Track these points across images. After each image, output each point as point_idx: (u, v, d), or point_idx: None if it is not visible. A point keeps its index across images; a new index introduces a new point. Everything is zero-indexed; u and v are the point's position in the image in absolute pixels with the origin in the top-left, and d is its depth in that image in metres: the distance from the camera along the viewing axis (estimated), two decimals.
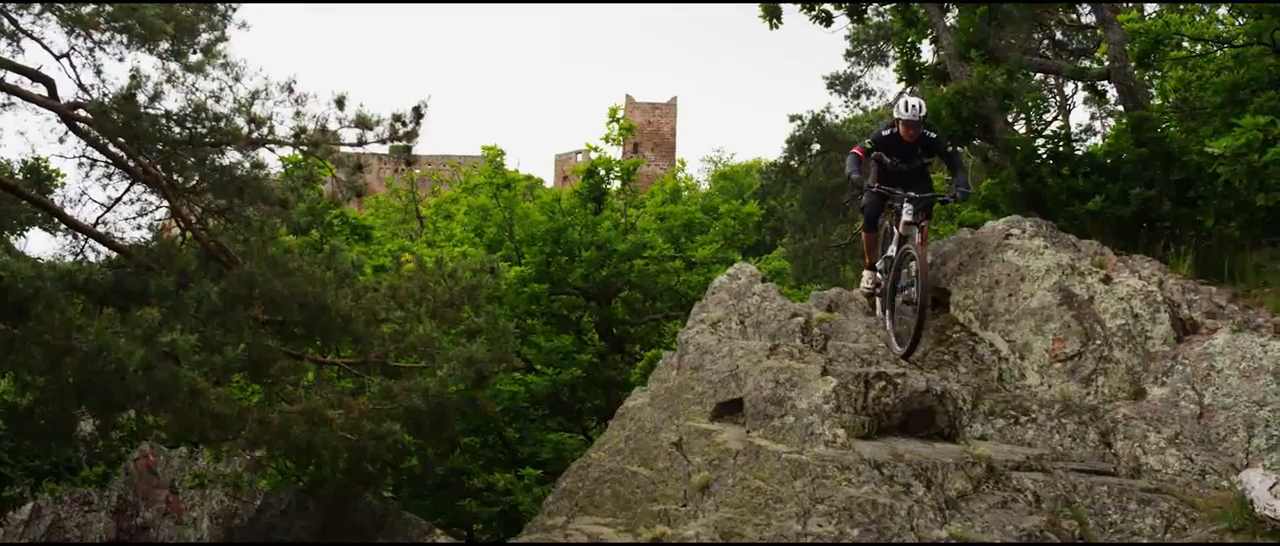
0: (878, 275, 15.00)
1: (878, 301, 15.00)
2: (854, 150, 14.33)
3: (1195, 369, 12.68)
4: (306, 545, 11.72)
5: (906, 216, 13.76)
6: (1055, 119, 20.76)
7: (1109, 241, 15.73)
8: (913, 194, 13.88)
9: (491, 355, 12.55)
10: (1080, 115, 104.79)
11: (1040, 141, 18.29)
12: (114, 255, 11.62)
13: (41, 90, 11.86)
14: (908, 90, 21.71)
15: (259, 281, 11.11)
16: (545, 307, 21.91)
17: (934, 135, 14.60)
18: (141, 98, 11.40)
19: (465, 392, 12.51)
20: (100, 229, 11.67)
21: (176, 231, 12.21)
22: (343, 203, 21.64)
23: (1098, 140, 21.64)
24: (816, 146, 33.74)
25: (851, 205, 31.60)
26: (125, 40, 11.62)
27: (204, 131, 11.46)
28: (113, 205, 11.98)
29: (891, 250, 14.24)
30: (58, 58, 11.87)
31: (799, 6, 21.79)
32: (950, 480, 11.73)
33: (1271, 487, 9.93)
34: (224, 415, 10.14)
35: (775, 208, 37.65)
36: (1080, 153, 18.02)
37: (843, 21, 22.60)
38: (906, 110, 14.21)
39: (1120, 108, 18.90)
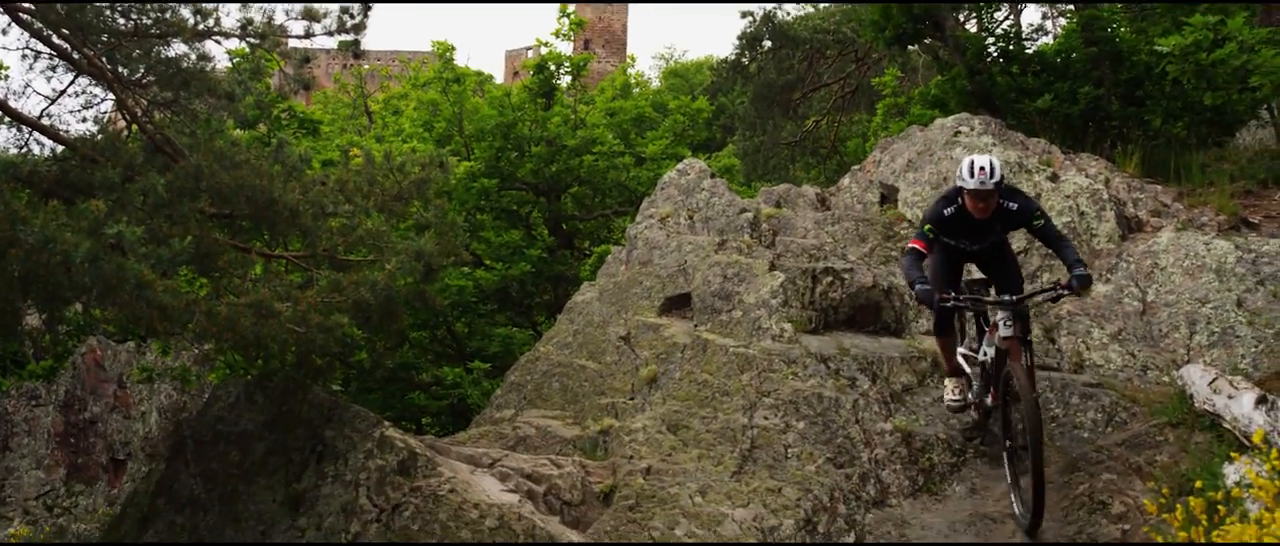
0: (967, 387, 11.09)
1: (975, 416, 11.28)
2: (912, 244, 10.24)
3: (1139, 266, 12.83)
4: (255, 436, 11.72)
5: (1004, 331, 9.84)
6: (1006, 18, 20.75)
7: (1057, 140, 15.83)
8: (1007, 298, 9.94)
9: (440, 249, 12.50)
10: (1031, 14, 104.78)
11: (991, 40, 18.28)
12: (59, 148, 11.46)
13: None
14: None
15: (206, 174, 10.98)
16: (495, 203, 21.83)
17: (1016, 205, 10.16)
18: None
19: (414, 286, 12.47)
20: (45, 121, 11.49)
21: (122, 124, 12.04)
22: (290, 96, 21.42)
23: (1048, 39, 21.59)
24: (768, 43, 33.51)
25: (801, 103, 31.53)
26: None
27: (149, 23, 11.26)
28: (57, 98, 11.78)
29: (986, 348, 10.46)
30: None
31: None
32: (896, 374, 11.87)
33: (1211, 382, 10.09)
34: (171, 307, 10.06)
35: (726, 105, 37.52)
36: (1030, 51, 18.03)
37: None
38: (973, 176, 9.86)
39: (1071, 6, 18.85)
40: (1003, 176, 9.97)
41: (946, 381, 11.20)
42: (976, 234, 10.40)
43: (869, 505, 10.65)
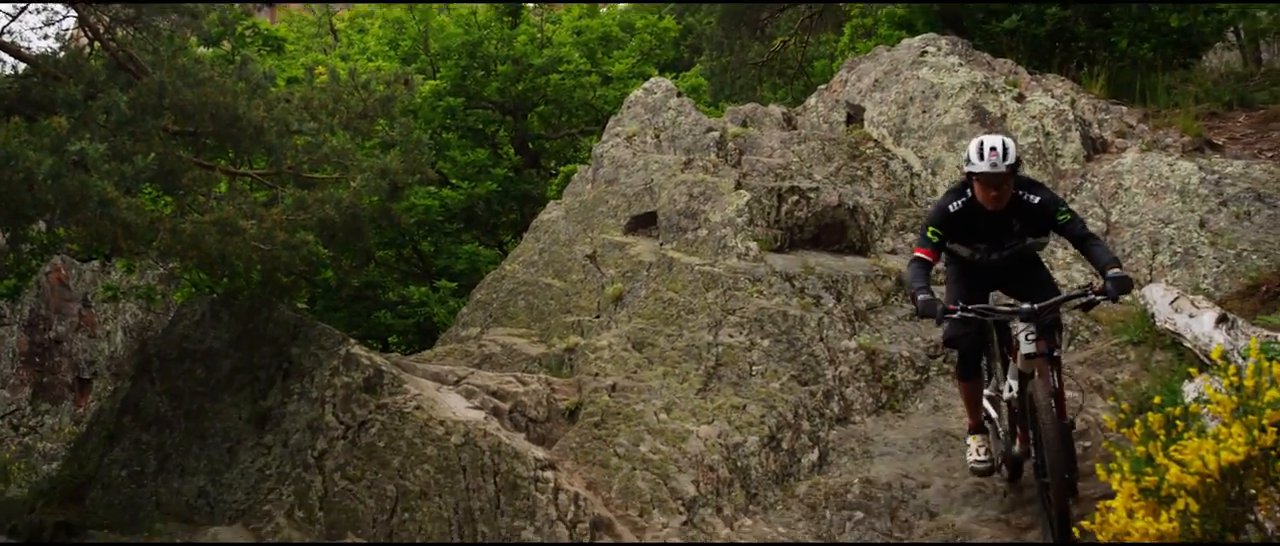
0: (993, 442, 9.21)
1: (1006, 474, 9.34)
2: (916, 252, 8.66)
3: (1104, 187, 12.90)
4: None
5: (1026, 347, 8.01)
6: None
7: (1023, 60, 15.83)
8: (1030, 307, 8.09)
9: (406, 167, 12.44)
10: None
11: None
12: (20, 66, 11.33)
13: None
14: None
15: (169, 91, 10.87)
16: (460, 122, 21.68)
17: (1037, 199, 8.51)
18: None
19: (379, 204, 12.43)
20: (6, 39, 11.35)
21: (84, 41, 11.91)
22: (254, 13, 21.20)
23: None
24: None
25: (769, 23, 31.39)
26: None
27: None
28: (18, 15, 11.66)
29: (1011, 381, 8.58)
30: None
31: None
32: (860, 292, 11.94)
33: (1172, 302, 10.18)
34: (135, 225, 10.00)
35: (693, 25, 37.32)
36: None
37: None
38: (982, 158, 8.22)
39: None
40: (1019, 159, 8.31)
41: (969, 440, 9.29)
42: (992, 235, 8.58)
43: (832, 422, 10.76)
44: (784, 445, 10.42)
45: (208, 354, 11.73)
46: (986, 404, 9.13)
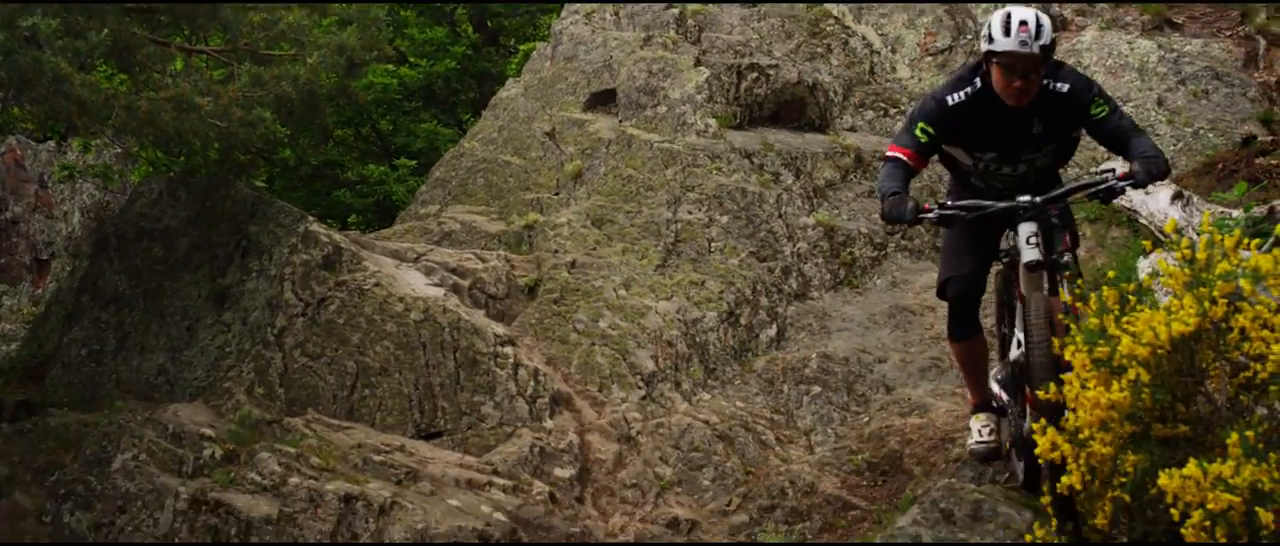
0: (998, 422, 7.24)
1: (1019, 466, 6.91)
2: (891, 150, 6.59)
3: None
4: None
5: (1029, 254, 6.20)
6: None
7: None
8: (1030, 200, 6.27)
9: (363, 44, 12.30)
10: None
11: None
12: None
13: None
14: None
15: None
16: None
17: (1066, 88, 6.39)
18: None
19: (337, 82, 12.31)
20: None
21: None
22: None
23: None
24: None
25: None
26: None
27: None
28: None
29: (1017, 342, 6.53)
30: None
31: None
32: (819, 169, 11.96)
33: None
34: (90, 102, 9.88)
35: None
36: None
37: None
38: (1009, 34, 6.15)
39: None
40: (1054, 41, 6.25)
41: (971, 420, 7.30)
42: (1006, 140, 6.43)
43: (791, 298, 10.84)
44: (742, 321, 10.51)
45: (165, 232, 11.67)
46: (995, 385, 7.14)
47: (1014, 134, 6.41)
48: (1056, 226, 6.37)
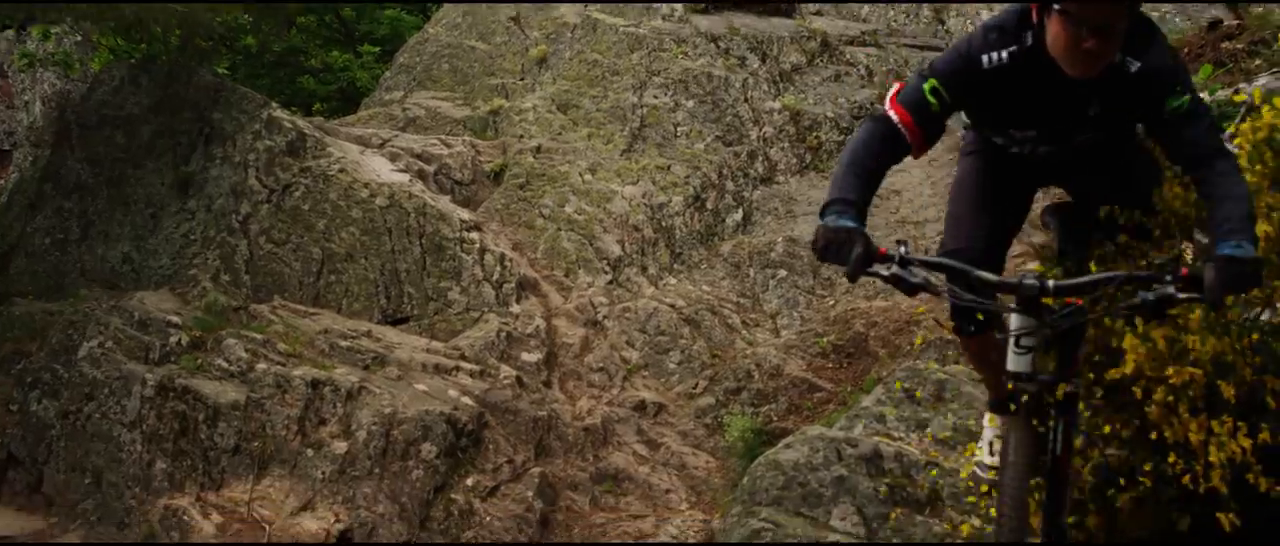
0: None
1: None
2: (890, 106, 4.15)
3: None
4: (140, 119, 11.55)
5: (1013, 362, 4.00)
6: None
7: None
8: (1034, 282, 3.86)
9: None
10: None
11: None
12: None
13: None
14: None
15: None
16: None
17: (1139, 65, 4.08)
18: None
19: None
20: None
21: None
22: None
23: None
24: None
25: None
26: None
27: None
28: None
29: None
30: None
31: None
32: (785, 53, 11.89)
33: None
34: None
35: None
36: None
37: None
38: None
39: None
40: None
41: (985, 422, 5.19)
42: (1053, 119, 4.39)
43: (757, 182, 10.83)
44: (708, 205, 10.51)
45: (128, 120, 11.56)
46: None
47: (1065, 112, 4.23)
48: (1074, 329, 4.07)
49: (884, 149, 4.07)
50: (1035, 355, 3.93)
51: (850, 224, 3.70)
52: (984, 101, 4.29)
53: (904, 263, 3.76)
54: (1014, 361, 3.93)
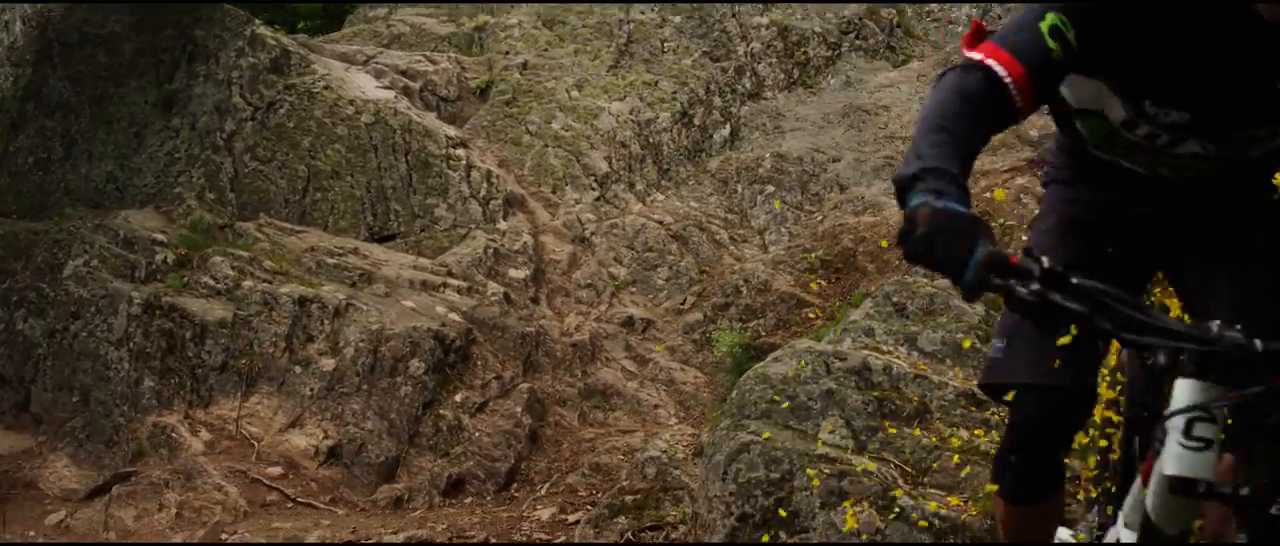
0: None
1: None
2: (977, 53, 2.56)
3: None
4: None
5: (1174, 462, 2.28)
6: None
7: None
8: (1236, 335, 2.15)
9: None
10: None
11: None
12: None
13: None
14: None
15: None
16: None
17: None
18: None
19: None
20: None
21: None
22: None
23: None
24: None
25: None
26: None
27: None
28: None
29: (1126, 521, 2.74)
30: None
31: None
32: None
33: None
34: None
35: None
36: None
37: None
38: None
39: None
40: None
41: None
42: (1228, 90, 2.72)
43: (744, 98, 10.79)
44: (695, 121, 10.47)
45: (109, 38, 11.44)
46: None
47: (1245, 81, 2.71)
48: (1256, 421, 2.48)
49: (982, 110, 2.55)
50: (1214, 452, 2.31)
51: (962, 208, 2.23)
52: (1126, 51, 2.69)
53: (1051, 279, 2.14)
54: (1180, 460, 2.31)
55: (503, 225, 9.58)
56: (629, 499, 6.81)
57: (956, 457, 5.56)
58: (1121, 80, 2.80)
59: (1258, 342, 2.16)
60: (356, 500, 7.79)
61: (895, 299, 6.69)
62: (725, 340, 8.37)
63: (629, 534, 6.57)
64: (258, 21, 11.30)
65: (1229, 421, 2.31)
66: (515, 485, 7.86)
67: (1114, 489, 2.98)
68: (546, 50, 11.10)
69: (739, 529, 5.65)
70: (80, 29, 11.76)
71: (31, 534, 7.84)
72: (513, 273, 9.27)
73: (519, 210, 9.77)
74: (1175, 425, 2.30)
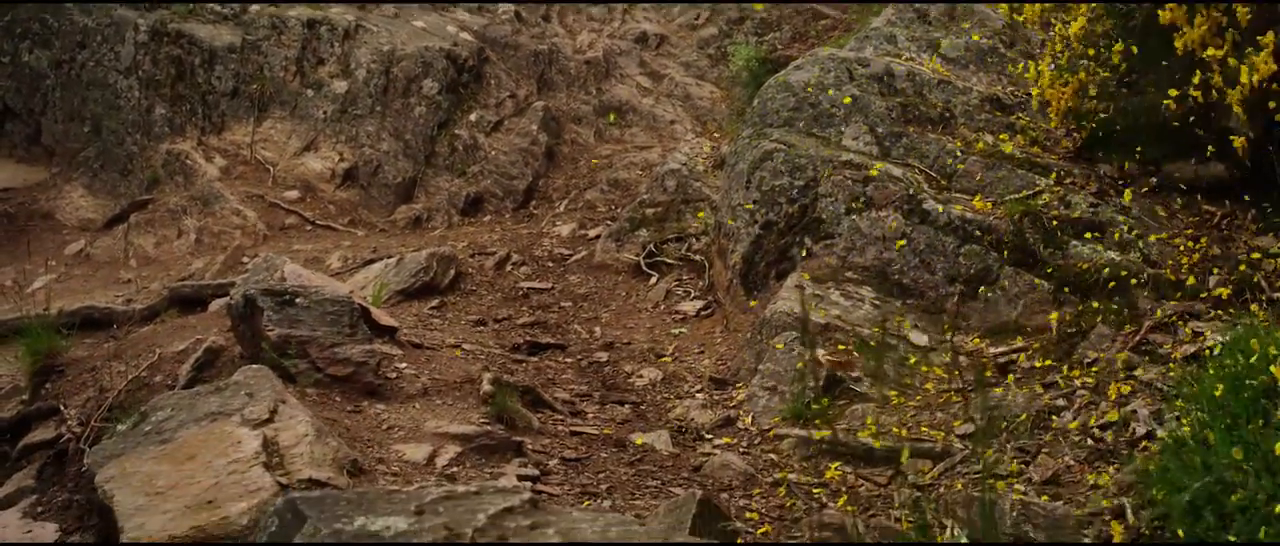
0: None
1: None
2: None
3: None
4: None
5: None
6: None
7: None
8: None
9: None
10: None
11: None
12: None
13: None
14: None
15: None
16: None
17: None
18: None
19: None
20: None
21: None
22: None
23: None
24: None
25: None
26: None
27: None
28: None
29: None
30: None
31: None
32: None
33: None
34: None
35: None
36: None
37: None
38: None
39: None
40: None
41: None
42: None
43: None
44: None
45: None
46: None
47: None
48: None
49: None
50: None
51: None
52: None
53: None
54: None
55: None
56: (650, 211, 6.81)
57: (981, 162, 5.53)
58: None
59: None
60: (375, 221, 7.81)
61: (917, 5, 6.55)
62: (741, 54, 8.22)
63: (651, 245, 6.59)
64: None
65: None
66: (533, 202, 7.86)
67: None
68: None
69: (763, 236, 5.66)
70: None
71: (51, 262, 7.89)
72: None
73: None
74: None
